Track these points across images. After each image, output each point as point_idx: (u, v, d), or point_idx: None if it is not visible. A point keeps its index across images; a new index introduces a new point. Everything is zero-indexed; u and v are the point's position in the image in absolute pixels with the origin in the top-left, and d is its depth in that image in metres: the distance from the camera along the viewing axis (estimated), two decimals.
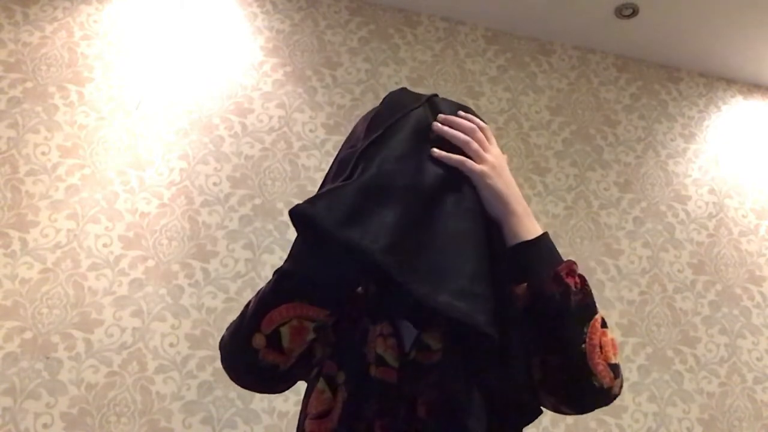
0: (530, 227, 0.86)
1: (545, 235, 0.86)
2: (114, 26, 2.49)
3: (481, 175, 0.86)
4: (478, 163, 0.87)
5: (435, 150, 0.86)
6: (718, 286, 2.66)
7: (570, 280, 0.81)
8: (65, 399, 1.91)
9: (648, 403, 2.37)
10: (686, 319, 2.56)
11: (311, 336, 0.80)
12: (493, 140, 0.93)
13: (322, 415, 0.84)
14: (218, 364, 2.19)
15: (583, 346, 0.78)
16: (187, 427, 1.96)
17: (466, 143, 0.88)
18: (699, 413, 2.40)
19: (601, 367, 0.78)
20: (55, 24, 2.43)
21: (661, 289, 2.59)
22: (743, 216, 2.84)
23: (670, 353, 2.47)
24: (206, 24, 2.59)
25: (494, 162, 0.88)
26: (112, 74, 2.40)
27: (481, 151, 0.89)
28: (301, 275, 0.79)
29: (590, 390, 0.79)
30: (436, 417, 0.80)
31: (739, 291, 2.67)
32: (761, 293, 2.69)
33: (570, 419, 2.27)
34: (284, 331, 0.78)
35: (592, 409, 0.83)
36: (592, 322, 0.80)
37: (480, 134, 0.90)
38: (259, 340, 0.78)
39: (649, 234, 2.68)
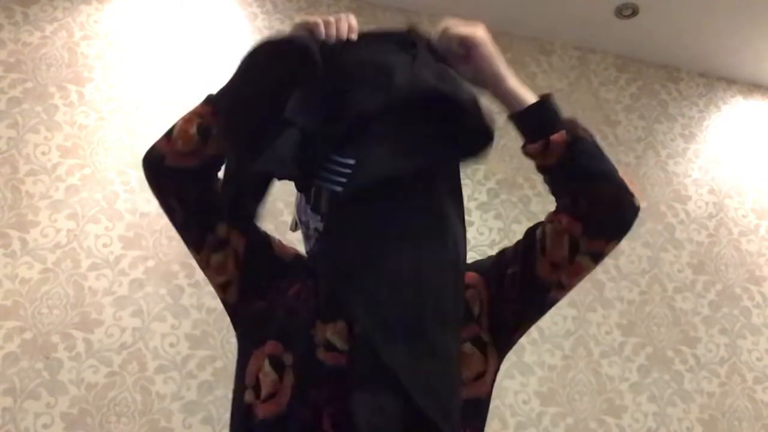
0: (525, 88, 0.93)
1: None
2: (114, 26, 2.49)
3: (484, 33, 0.93)
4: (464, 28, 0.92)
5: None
6: (718, 286, 2.65)
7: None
8: (65, 399, 1.91)
9: (648, 403, 2.37)
10: (686, 319, 2.56)
11: (194, 130, 0.91)
12: None
13: (269, 398, 0.83)
14: (218, 363, 2.20)
15: (619, 173, 0.86)
16: (187, 427, 1.96)
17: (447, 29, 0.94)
18: (699, 413, 2.40)
19: (633, 188, 0.86)
20: (55, 24, 2.43)
21: (661, 289, 2.59)
22: (743, 216, 2.84)
23: (670, 353, 2.47)
24: (206, 24, 2.59)
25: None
26: (112, 74, 2.40)
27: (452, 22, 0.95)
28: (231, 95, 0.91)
29: (633, 209, 0.86)
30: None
31: (739, 291, 2.67)
32: (761, 293, 2.69)
33: (570, 419, 2.27)
34: (179, 122, 0.93)
35: (629, 229, 0.87)
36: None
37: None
38: (163, 134, 0.94)
39: (649, 234, 2.68)
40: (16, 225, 2.09)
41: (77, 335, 1.99)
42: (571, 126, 0.88)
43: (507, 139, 2.67)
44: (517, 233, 2.75)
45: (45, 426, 1.87)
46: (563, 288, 0.89)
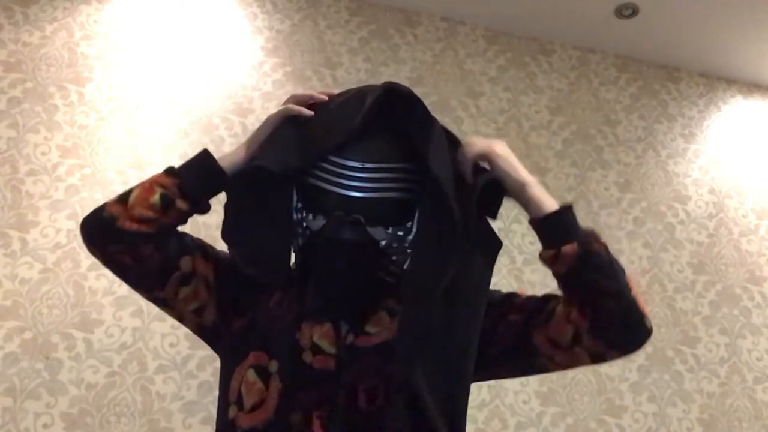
0: (547, 196, 0.91)
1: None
2: (114, 26, 2.49)
3: (503, 147, 0.91)
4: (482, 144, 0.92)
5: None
6: (718, 286, 2.65)
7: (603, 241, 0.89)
8: (65, 399, 1.91)
9: (648, 403, 2.37)
10: (686, 319, 2.55)
11: (155, 199, 0.88)
12: None
13: (256, 407, 0.83)
14: (218, 364, 2.19)
15: (633, 293, 0.85)
16: (187, 427, 1.96)
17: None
18: (699, 413, 2.40)
19: (646, 310, 0.86)
20: (55, 24, 2.43)
21: (661, 289, 2.59)
22: (743, 216, 2.84)
23: (670, 353, 2.47)
24: (206, 24, 2.58)
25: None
26: (112, 74, 2.40)
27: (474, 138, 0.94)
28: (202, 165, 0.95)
29: (642, 331, 0.85)
30: (376, 405, 0.81)
31: (739, 291, 2.67)
32: (761, 293, 2.69)
33: (570, 419, 2.27)
34: (136, 190, 0.91)
35: (639, 348, 0.87)
36: (627, 274, 0.88)
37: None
38: (112, 199, 0.91)
39: (649, 234, 2.68)
40: (16, 225, 2.09)
41: (77, 335, 1.99)
42: (586, 239, 0.86)
43: (507, 139, 2.67)
44: (517, 233, 2.74)
45: (45, 426, 1.87)
46: (556, 364, 0.89)
